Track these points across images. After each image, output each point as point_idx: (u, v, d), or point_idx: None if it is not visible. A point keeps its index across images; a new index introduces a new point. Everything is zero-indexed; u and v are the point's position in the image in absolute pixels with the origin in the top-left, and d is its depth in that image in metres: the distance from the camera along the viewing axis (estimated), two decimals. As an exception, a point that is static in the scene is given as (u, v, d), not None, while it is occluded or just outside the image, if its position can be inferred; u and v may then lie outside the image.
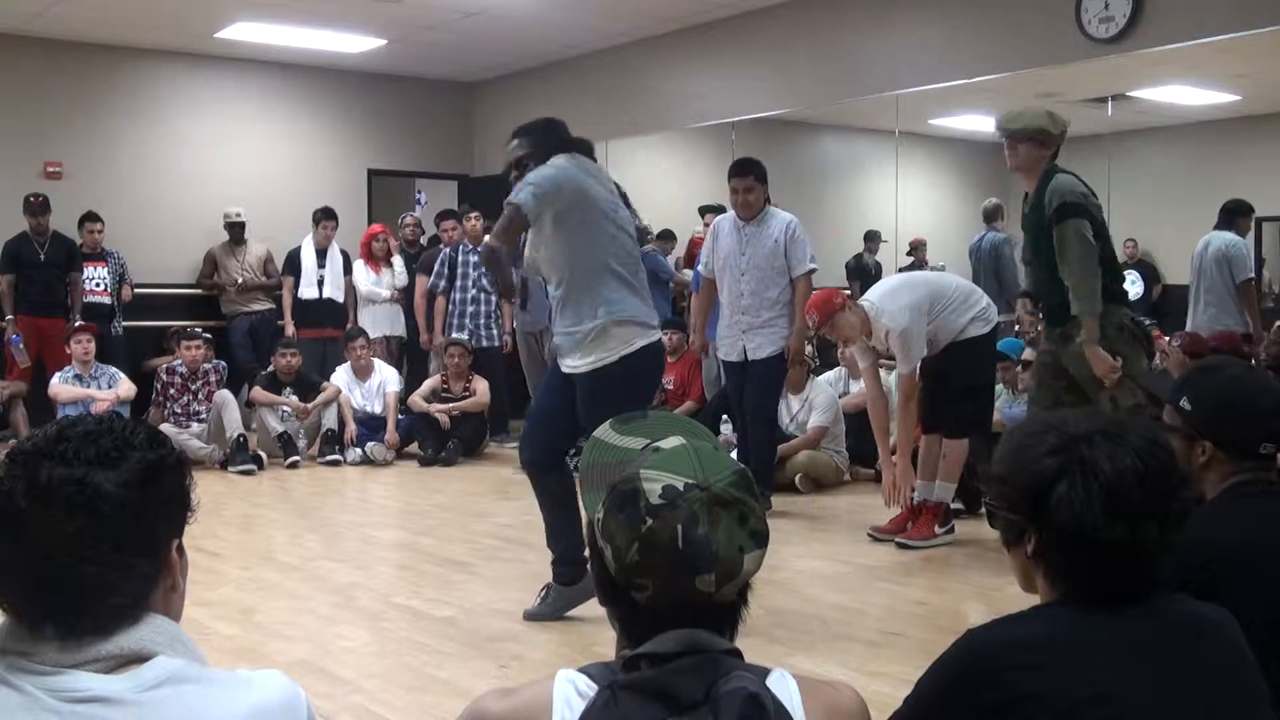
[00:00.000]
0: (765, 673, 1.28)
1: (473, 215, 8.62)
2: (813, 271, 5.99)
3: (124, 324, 9.23)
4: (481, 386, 8.33)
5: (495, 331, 8.57)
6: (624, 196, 4.36)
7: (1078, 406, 4.64)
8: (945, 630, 3.94)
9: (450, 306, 8.59)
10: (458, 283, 8.58)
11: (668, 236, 10.05)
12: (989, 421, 5.55)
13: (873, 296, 5.44)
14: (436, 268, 8.64)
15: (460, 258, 8.58)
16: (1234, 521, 2.05)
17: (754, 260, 5.98)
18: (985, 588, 4.66)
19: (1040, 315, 5.03)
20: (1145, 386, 4.53)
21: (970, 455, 5.52)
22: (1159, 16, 6.40)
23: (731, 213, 6.16)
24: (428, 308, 8.72)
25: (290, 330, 9.11)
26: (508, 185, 4.08)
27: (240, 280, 9.64)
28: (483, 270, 8.53)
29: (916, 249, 9.30)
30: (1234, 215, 7.27)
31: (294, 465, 7.85)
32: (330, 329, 9.19)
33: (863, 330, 5.38)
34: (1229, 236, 7.19)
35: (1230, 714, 1.47)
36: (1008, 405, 6.39)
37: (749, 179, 5.99)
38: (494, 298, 8.52)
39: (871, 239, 9.55)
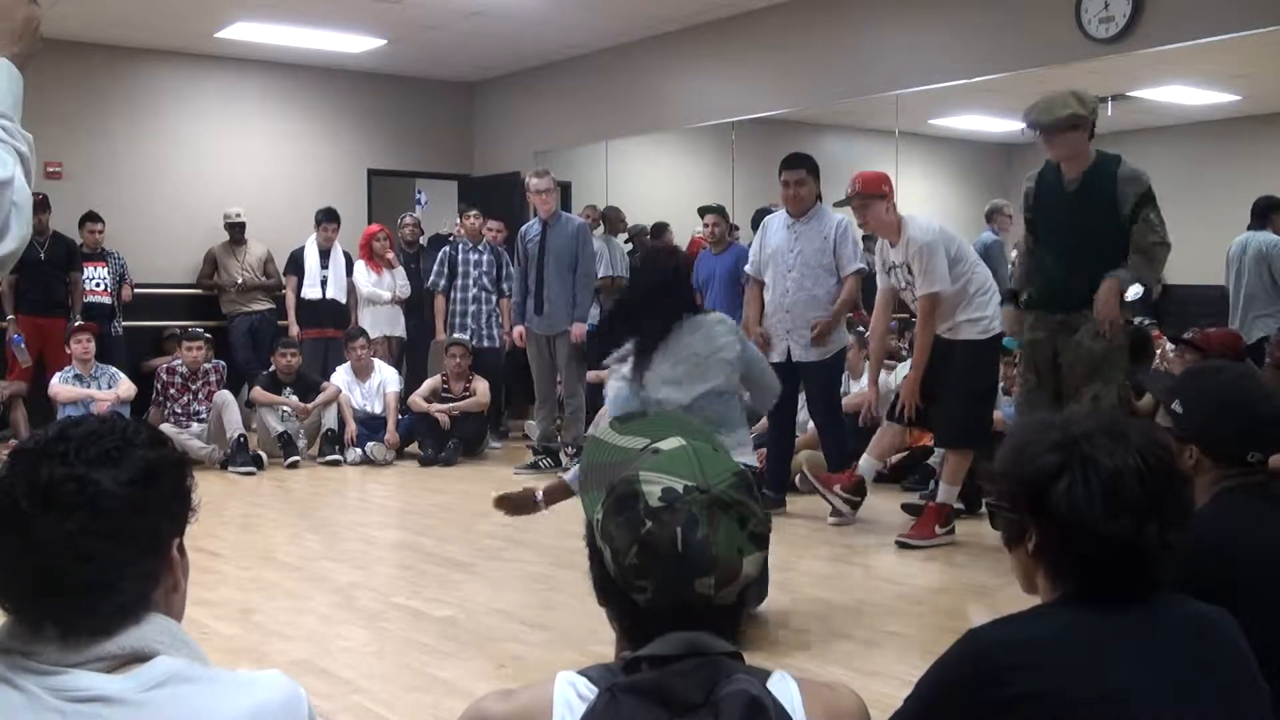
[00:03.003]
0: (766, 675, 1.28)
1: (471, 213, 8.62)
2: (861, 272, 5.95)
3: (124, 324, 9.22)
4: (481, 386, 8.33)
5: (496, 332, 8.56)
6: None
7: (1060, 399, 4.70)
8: (945, 630, 3.94)
9: (450, 305, 8.58)
10: (458, 281, 8.56)
11: (659, 231, 10.00)
12: (985, 432, 5.41)
13: (912, 215, 5.45)
14: (436, 266, 8.64)
15: (460, 256, 8.57)
16: (1231, 524, 2.05)
17: (803, 257, 5.90)
18: (985, 588, 4.66)
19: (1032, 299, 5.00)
20: (1137, 384, 4.57)
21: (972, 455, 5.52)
22: (1159, 16, 6.40)
23: (782, 210, 6.12)
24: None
25: (294, 330, 9.11)
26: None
27: (240, 280, 9.64)
28: (483, 270, 8.53)
29: (916, 249, 9.29)
30: (1267, 213, 7.22)
31: (294, 465, 7.84)
32: (332, 329, 9.19)
33: (890, 234, 5.36)
34: (1269, 237, 7.13)
35: (1230, 714, 1.47)
36: (1006, 405, 6.38)
37: (800, 171, 5.93)
38: (494, 298, 8.51)
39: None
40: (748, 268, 6.38)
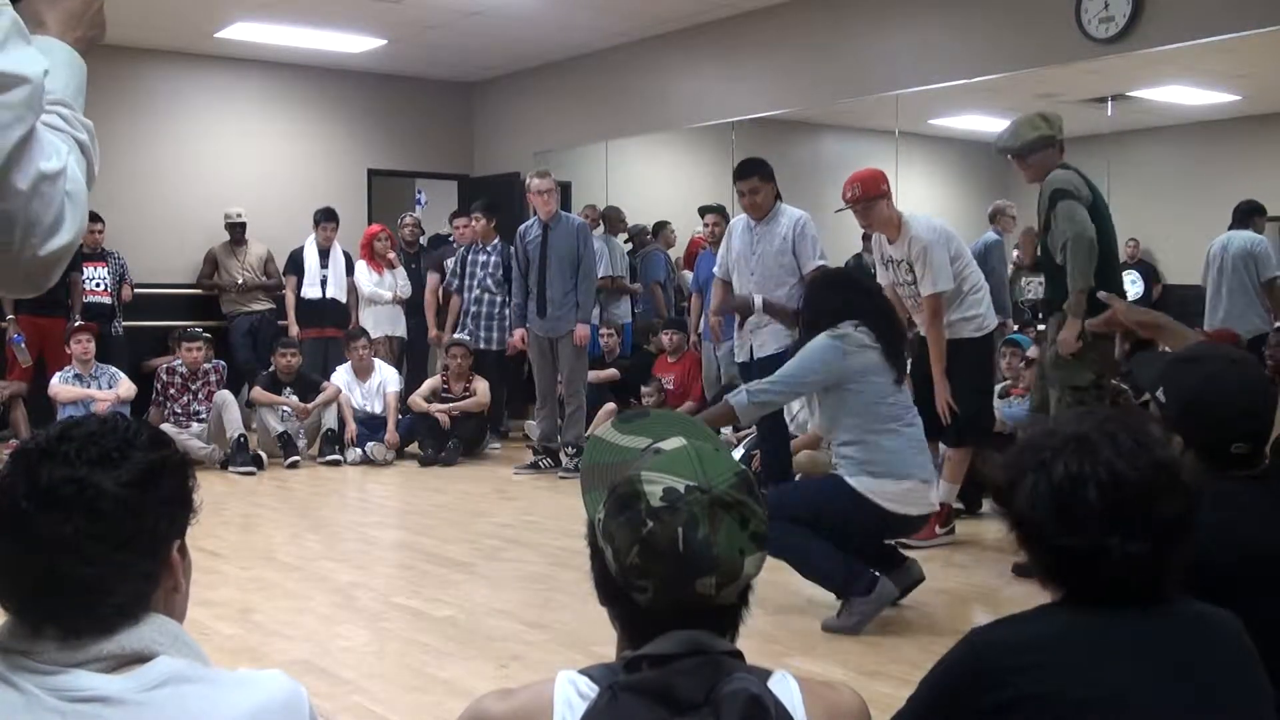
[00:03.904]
0: (767, 674, 1.28)
1: (474, 215, 8.58)
2: (822, 268, 5.97)
3: (124, 324, 9.21)
4: (481, 386, 8.33)
5: (496, 335, 8.53)
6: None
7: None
8: (945, 630, 3.95)
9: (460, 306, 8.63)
10: (466, 282, 8.57)
11: (660, 229, 10.01)
12: (988, 429, 5.46)
13: (914, 213, 5.42)
14: (452, 266, 8.67)
15: (470, 257, 8.58)
16: (1231, 522, 2.02)
17: (763, 260, 5.96)
18: (985, 588, 4.66)
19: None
20: (1125, 374, 4.58)
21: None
22: (1159, 16, 6.40)
23: (744, 214, 6.15)
24: (439, 305, 8.77)
25: (294, 330, 9.11)
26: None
27: (241, 280, 9.63)
28: (489, 270, 8.53)
29: (916, 249, 9.30)
30: (1249, 215, 7.24)
31: (294, 465, 7.84)
32: (332, 329, 9.19)
33: (889, 230, 5.35)
34: (1251, 235, 7.15)
35: (1232, 714, 1.47)
36: (1006, 405, 6.39)
37: (752, 180, 5.96)
38: (499, 299, 8.48)
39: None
40: (715, 269, 6.45)
